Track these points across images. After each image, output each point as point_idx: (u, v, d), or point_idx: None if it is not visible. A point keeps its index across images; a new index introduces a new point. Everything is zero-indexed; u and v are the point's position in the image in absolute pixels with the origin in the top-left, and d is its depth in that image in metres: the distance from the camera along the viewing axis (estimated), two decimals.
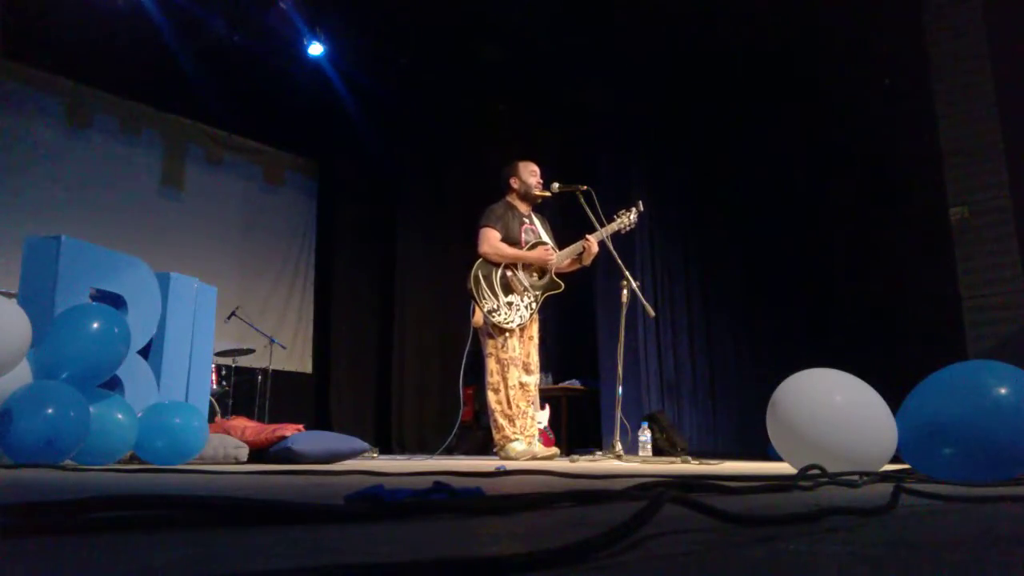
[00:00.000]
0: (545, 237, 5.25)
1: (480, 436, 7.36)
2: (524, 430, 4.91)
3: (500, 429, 4.87)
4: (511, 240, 5.09)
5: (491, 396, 4.93)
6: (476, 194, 9.02)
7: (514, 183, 5.26)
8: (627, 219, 5.18)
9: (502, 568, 0.56)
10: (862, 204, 6.13)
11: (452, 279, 8.84)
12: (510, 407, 4.89)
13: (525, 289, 5.02)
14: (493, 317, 4.90)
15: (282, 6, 7.37)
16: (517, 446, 4.81)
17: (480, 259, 5.03)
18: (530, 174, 5.26)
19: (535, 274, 5.11)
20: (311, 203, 9.46)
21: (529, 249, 5.09)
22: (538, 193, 5.23)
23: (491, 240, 5.03)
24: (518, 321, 4.96)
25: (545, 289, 5.10)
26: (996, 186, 5.27)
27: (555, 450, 5.13)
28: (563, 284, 5.17)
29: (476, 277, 4.97)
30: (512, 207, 5.22)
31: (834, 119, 6.29)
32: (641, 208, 5.25)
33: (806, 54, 6.33)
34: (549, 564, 0.59)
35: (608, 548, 0.66)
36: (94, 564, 0.64)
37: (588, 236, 5.07)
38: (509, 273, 5.02)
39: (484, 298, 4.93)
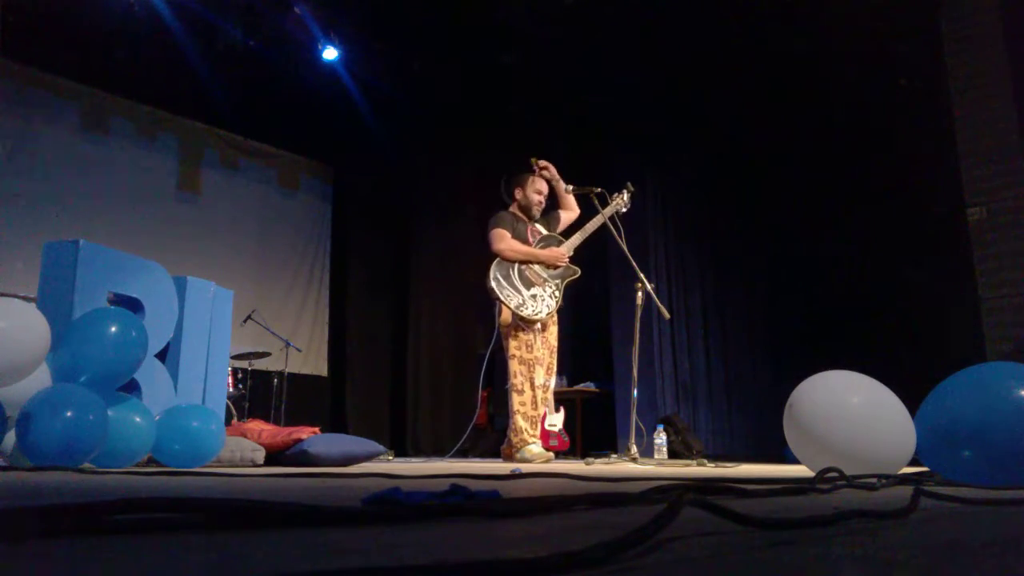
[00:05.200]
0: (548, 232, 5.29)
1: (495, 439, 7.35)
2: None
3: (519, 432, 4.87)
4: (524, 236, 5.12)
5: (515, 398, 4.91)
6: (490, 197, 9.06)
7: (517, 194, 5.29)
8: (621, 200, 5.20)
9: (524, 570, 0.56)
10: (879, 205, 6.10)
11: (467, 282, 8.84)
12: (534, 408, 4.90)
13: (544, 280, 5.03)
14: (522, 311, 4.89)
15: (297, 11, 7.40)
16: (534, 448, 4.81)
17: (495, 260, 5.00)
18: (535, 192, 5.26)
19: (549, 266, 5.12)
20: (326, 207, 9.49)
21: (540, 247, 5.11)
22: (536, 212, 5.25)
23: (505, 238, 5.02)
24: (546, 311, 4.96)
25: (563, 277, 5.11)
26: (1014, 186, 5.23)
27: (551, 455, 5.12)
28: (579, 270, 5.19)
29: (496, 278, 4.94)
30: (517, 216, 5.24)
31: (850, 120, 6.26)
32: (632, 189, 5.27)
33: (822, 55, 6.31)
34: (570, 567, 0.59)
35: (629, 551, 0.65)
36: (115, 567, 0.65)
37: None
38: (525, 268, 5.02)
39: (508, 296, 4.91)
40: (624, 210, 5.23)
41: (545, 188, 5.30)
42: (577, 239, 5.19)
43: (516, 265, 5.00)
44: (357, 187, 9.39)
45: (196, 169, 8.30)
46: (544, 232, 5.27)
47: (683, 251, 7.50)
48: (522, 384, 4.92)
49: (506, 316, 4.96)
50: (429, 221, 9.14)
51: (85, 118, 7.43)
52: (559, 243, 5.18)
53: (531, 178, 5.28)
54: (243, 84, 7.94)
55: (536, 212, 5.25)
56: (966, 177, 5.39)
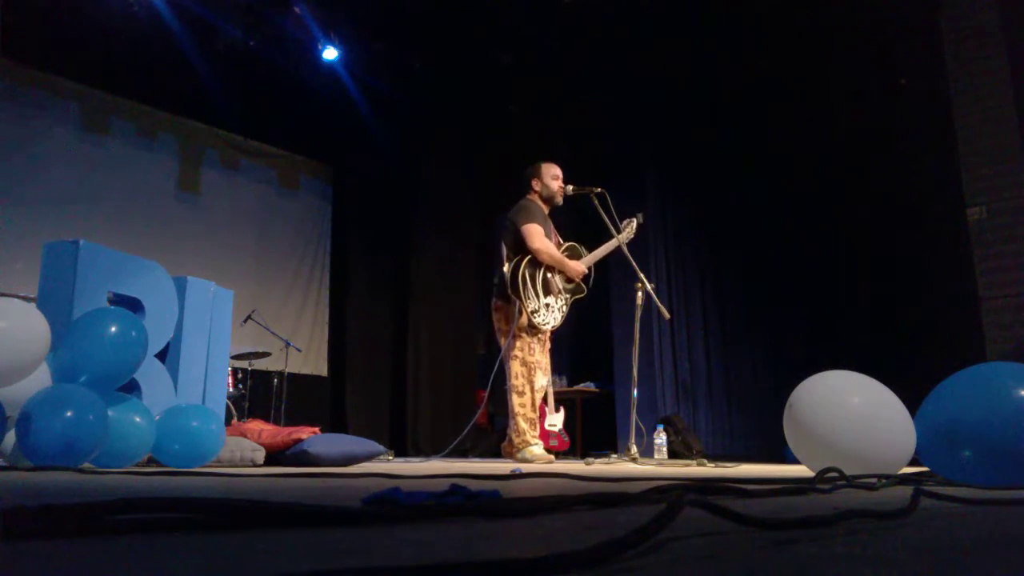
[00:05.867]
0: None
1: (495, 439, 7.36)
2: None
3: (520, 433, 4.84)
4: (550, 232, 5.07)
5: (515, 399, 4.87)
6: (489, 197, 9.07)
7: (535, 185, 5.18)
8: (631, 229, 5.21)
9: (524, 570, 0.56)
10: (879, 204, 6.10)
11: (467, 282, 8.86)
12: (534, 410, 4.89)
13: (559, 291, 4.99)
14: (535, 318, 4.84)
15: (297, 11, 7.41)
16: (536, 449, 4.80)
17: (526, 257, 4.88)
18: (552, 178, 5.17)
19: (567, 278, 5.08)
20: (326, 207, 9.49)
21: (565, 255, 5.06)
22: (559, 199, 5.17)
23: (542, 237, 4.92)
24: (552, 323, 4.93)
25: (573, 293, 5.10)
26: (1014, 186, 5.24)
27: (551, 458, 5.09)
28: (586, 289, 5.17)
29: (523, 277, 4.84)
30: (542, 209, 5.15)
31: (850, 120, 6.26)
32: (641, 220, 5.26)
33: (822, 55, 6.30)
34: (569, 567, 0.59)
35: (629, 551, 0.65)
36: (115, 567, 0.65)
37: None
38: (549, 275, 4.95)
39: (529, 298, 4.83)
40: (630, 238, 5.22)
41: (559, 172, 5.23)
42: (590, 260, 5.15)
43: (542, 269, 4.93)
44: (357, 187, 9.39)
45: (196, 169, 8.30)
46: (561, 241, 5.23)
47: (683, 251, 7.49)
48: (523, 386, 4.88)
49: (524, 318, 4.88)
50: (429, 221, 9.14)
51: (85, 118, 7.43)
52: (579, 257, 5.14)
53: (544, 165, 5.22)
54: (243, 84, 7.94)
55: (559, 198, 5.16)
56: (966, 177, 5.39)
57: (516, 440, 4.87)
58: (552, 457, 4.87)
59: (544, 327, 4.89)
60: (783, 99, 6.61)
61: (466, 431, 5.41)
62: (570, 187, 5.17)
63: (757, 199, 6.94)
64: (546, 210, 5.20)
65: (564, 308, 5.03)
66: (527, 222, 4.94)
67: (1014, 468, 2.00)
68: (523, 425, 4.84)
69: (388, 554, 0.72)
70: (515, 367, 4.91)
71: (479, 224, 9.27)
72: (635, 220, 5.26)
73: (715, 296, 7.36)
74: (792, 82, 6.53)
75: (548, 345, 5.13)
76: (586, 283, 5.19)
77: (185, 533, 0.85)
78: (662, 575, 0.63)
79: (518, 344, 4.91)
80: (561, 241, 5.21)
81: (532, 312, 4.84)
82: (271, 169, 9.00)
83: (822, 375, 2.58)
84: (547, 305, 4.91)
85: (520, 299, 4.83)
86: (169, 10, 7.05)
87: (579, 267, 5.04)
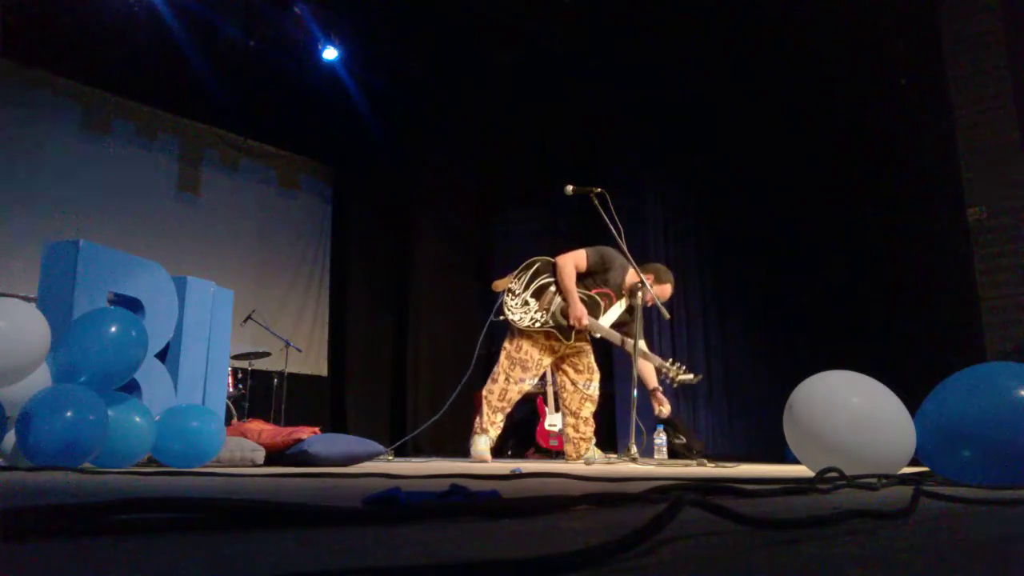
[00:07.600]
0: (612, 316, 5.02)
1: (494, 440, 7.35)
2: (584, 436, 5.06)
3: (481, 416, 4.89)
4: (599, 283, 4.96)
5: (488, 384, 4.95)
6: (489, 196, 9.07)
7: (649, 277, 4.94)
8: (682, 374, 4.97)
9: (524, 570, 0.56)
10: (879, 204, 6.10)
11: (466, 282, 8.85)
12: (500, 400, 4.89)
13: (547, 308, 4.87)
14: (505, 296, 4.88)
15: (297, 11, 7.40)
16: (480, 443, 4.81)
17: (556, 263, 4.89)
18: (661, 294, 4.97)
19: (565, 312, 4.87)
20: (326, 207, 9.49)
21: (583, 298, 4.89)
22: (638, 301, 4.86)
23: (576, 260, 4.86)
24: (517, 319, 4.85)
25: (563, 330, 4.87)
26: (1014, 186, 5.24)
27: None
28: (584, 349, 5.08)
29: (534, 267, 4.92)
30: (625, 274, 5.00)
31: (850, 120, 6.26)
32: (700, 376, 5.07)
33: (822, 55, 6.30)
34: (569, 567, 0.59)
35: (628, 551, 0.65)
36: (115, 567, 0.65)
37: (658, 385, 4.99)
38: (552, 289, 4.89)
39: (517, 280, 4.90)
40: (679, 383, 5.05)
41: (669, 294, 5.09)
42: (599, 327, 4.93)
43: (553, 281, 4.90)
44: (357, 187, 9.39)
45: (196, 169, 8.30)
46: (613, 309, 5.01)
47: (683, 250, 7.50)
48: (499, 375, 4.94)
49: (500, 284, 4.96)
50: (429, 221, 9.14)
51: (85, 118, 7.43)
52: (598, 312, 4.93)
53: (671, 284, 5.09)
54: (243, 84, 7.94)
55: (639, 301, 4.86)
56: (966, 177, 5.39)
57: (476, 422, 4.92)
58: (488, 458, 4.82)
59: (507, 313, 4.85)
60: (783, 99, 6.61)
61: (424, 427, 5.39)
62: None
63: (757, 199, 6.94)
64: (623, 289, 5.01)
65: (538, 324, 4.86)
66: (586, 249, 4.92)
67: (1014, 468, 2.00)
68: (486, 410, 4.90)
69: (388, 554, 0.72)
70: (501, 358, 4.98)
71: (479, 224, 9.28)
72: (692, 376, 4.98)
73: (715, 296, 7.37)
74: (792, 82, 6.53)
75: (584, 351, 5.06)
76: (574, 334, 4.90)
77: (185, 533, 0.85)
78: (662, 575, 0.63)
79: (508, 341, 4.98)
80: (619, 308, 5.04)
81: (507, 291, 4.88)
82: (271, 169, 9.00)
83: (822, 375, 2.58)
84: (526, 302, 4.88)
85: (514, 275, 4.92)
86: (169, 10, 7.04)
87: (579, 313, 4.78)
